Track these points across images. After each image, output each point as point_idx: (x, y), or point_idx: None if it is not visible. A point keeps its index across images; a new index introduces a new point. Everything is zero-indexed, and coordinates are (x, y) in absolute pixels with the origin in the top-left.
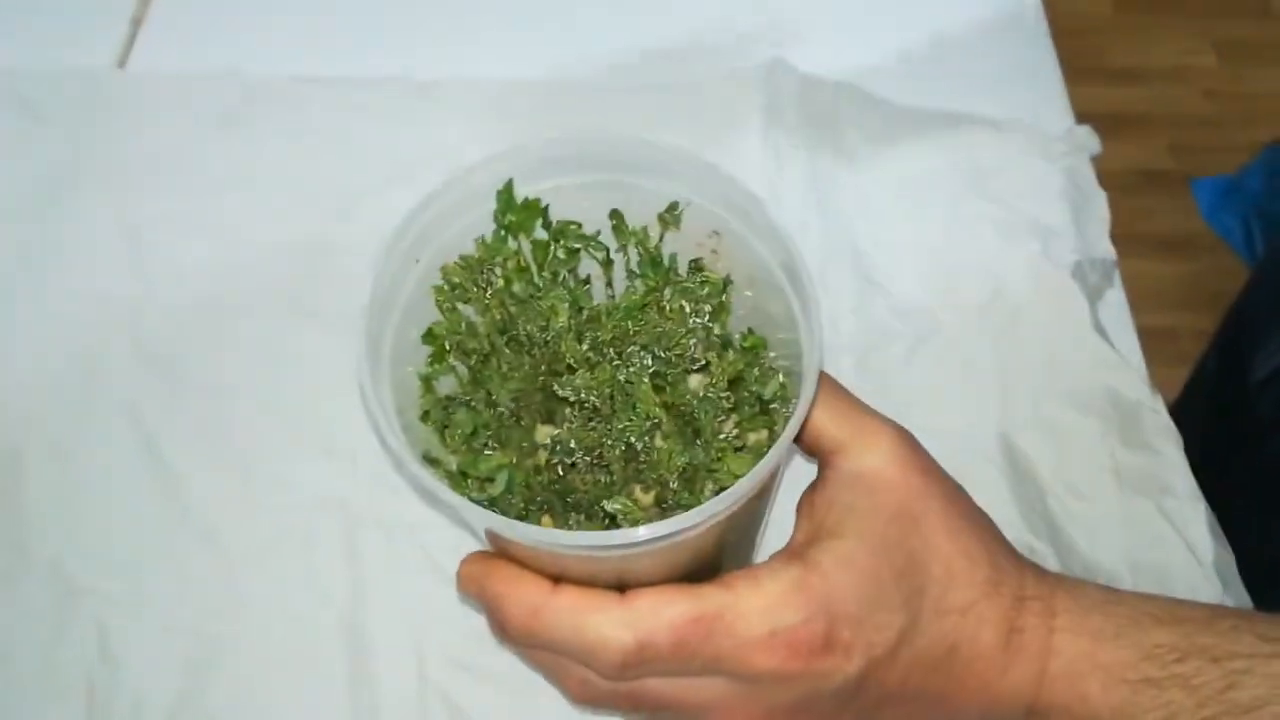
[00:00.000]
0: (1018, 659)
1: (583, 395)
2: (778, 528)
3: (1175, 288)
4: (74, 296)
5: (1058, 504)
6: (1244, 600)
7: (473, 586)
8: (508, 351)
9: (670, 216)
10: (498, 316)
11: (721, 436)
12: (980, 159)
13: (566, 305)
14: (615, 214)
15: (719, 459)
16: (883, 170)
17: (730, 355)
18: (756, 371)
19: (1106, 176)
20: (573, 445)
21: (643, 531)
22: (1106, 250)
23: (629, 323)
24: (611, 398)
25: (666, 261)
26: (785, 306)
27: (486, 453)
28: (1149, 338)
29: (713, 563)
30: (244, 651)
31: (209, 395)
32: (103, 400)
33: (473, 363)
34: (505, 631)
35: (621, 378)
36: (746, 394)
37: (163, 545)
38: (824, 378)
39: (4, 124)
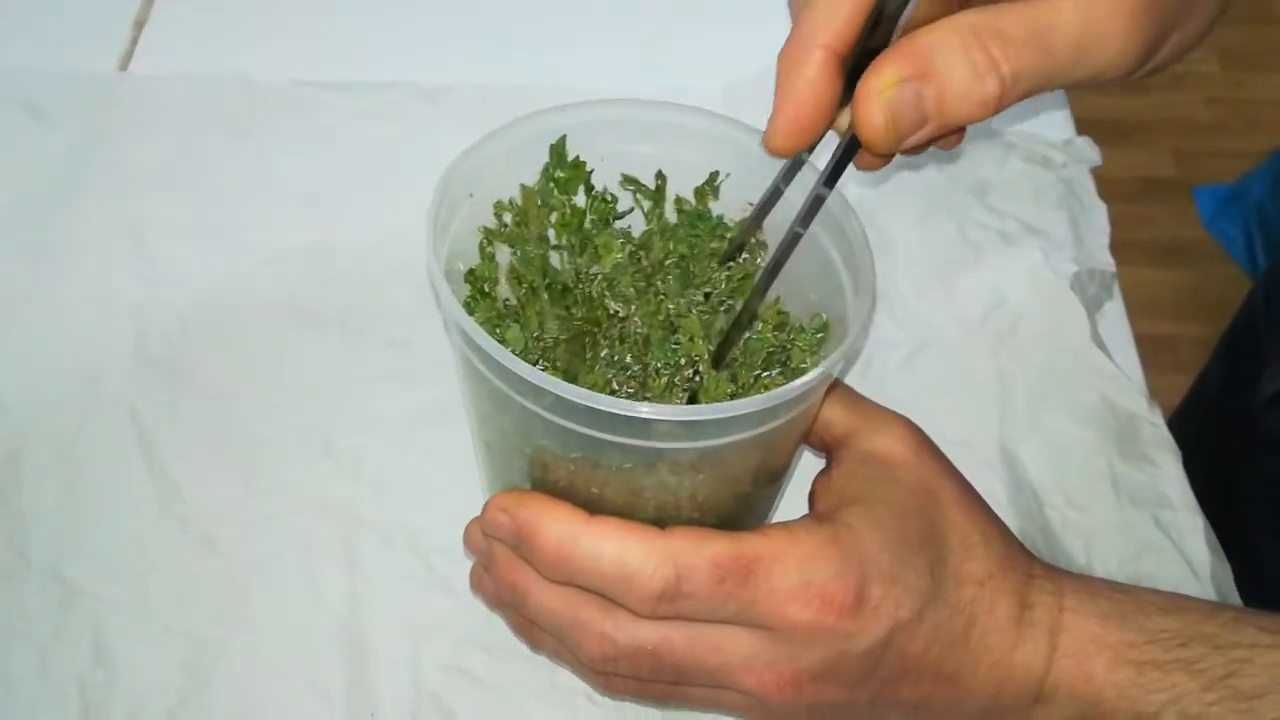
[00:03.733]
0: (1030, 633)
1: (629, 317)
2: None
3: (1175, 296)
4: (77, 299)
5: (1055, 514)
6: None
7: (503, 518)
8: (546, 296)
9: (710, 188)
10: (544, 257)
11: (765, 375)
12: (981, 170)
13: (618, 242)
14: (659, 175)
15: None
16: (883, 179)
17: (771, 305)
18: (788, 331)
19: (1107, 184)
20: (627, 360)
21: (717, 409)
22: (1106, 262)
23: (674, 244)
24: (658, 325)
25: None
26: (828, 269)
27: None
28: (1149, 346)
29: (735, 515)
30: (242, 656)
31: (210, 399)
32: (104, 403)
33: (520, 296)
34: (537, 562)
35: (671, 307)
36: (777, 348)
37: (162, 549)
38: (834, 380)
39: (9, 126)
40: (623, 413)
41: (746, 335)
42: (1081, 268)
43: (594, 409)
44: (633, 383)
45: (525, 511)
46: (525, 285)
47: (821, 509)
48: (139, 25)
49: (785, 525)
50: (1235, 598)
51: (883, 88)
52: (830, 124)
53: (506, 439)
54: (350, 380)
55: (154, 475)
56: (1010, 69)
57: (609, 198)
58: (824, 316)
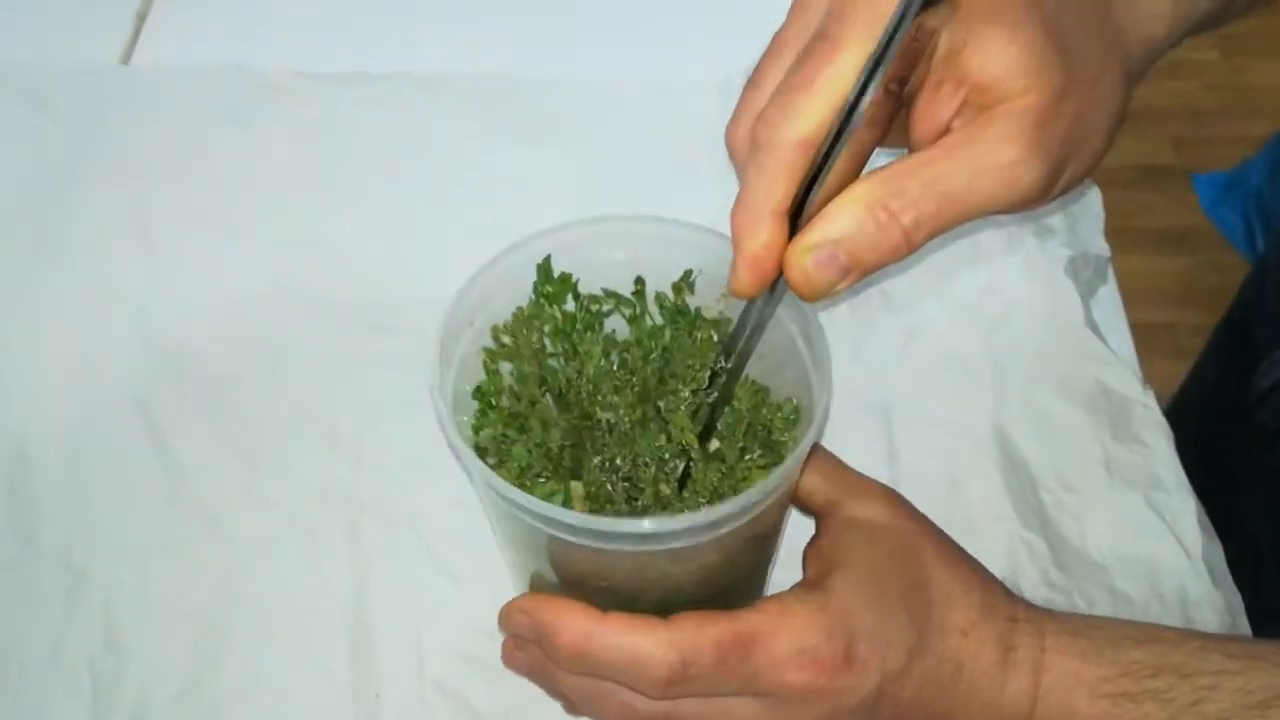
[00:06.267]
0: (1014, 674)
1: (618, 419)
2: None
3: (1175, 283)
4: (81, 288)
5: (1049, 496)
6: (1232, 590)
7: (524, 619)
8: (547, 400)
9: (685, 284)
10: (538, 371)
11: (747, 457)
12: None
13: (599, 348)
14: (639, 280)
15: (744, 479)
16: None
17: (748, 387)
18: (764, 410)
19: (1107, 171)
20: (617, 462)
21: (712, 512)
22: (1100, 246)
23: (654, 343)
24: (644, 422)
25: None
26: (790, 347)
27: (540, 480)
28: (1147, 333)
29: (735, 584)
30: (249, 639)
31: (214, 386)
32: (110, 391)
33: (520, 410)
34: (557, 658)
35: (661, 404)
36: (758, 427)
37: (169, 534)
38: (820, 449)
39: (14, 118)
40: (626, 530)
41: (727, 410)
42: (1076, 252)
43: (597, 530)
44: (624, 481)
45: (543, 614)
46: (525, 399)
47: (811, 575)
48: (141, 18)
49: (779, 598)
50: (1226, 576)
51: (802, 254)
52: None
53: (523, 545)
54: (352, 366)
55: (160, 461)
56: (911, 219)
57: (594, 307)
58: (794, 401)
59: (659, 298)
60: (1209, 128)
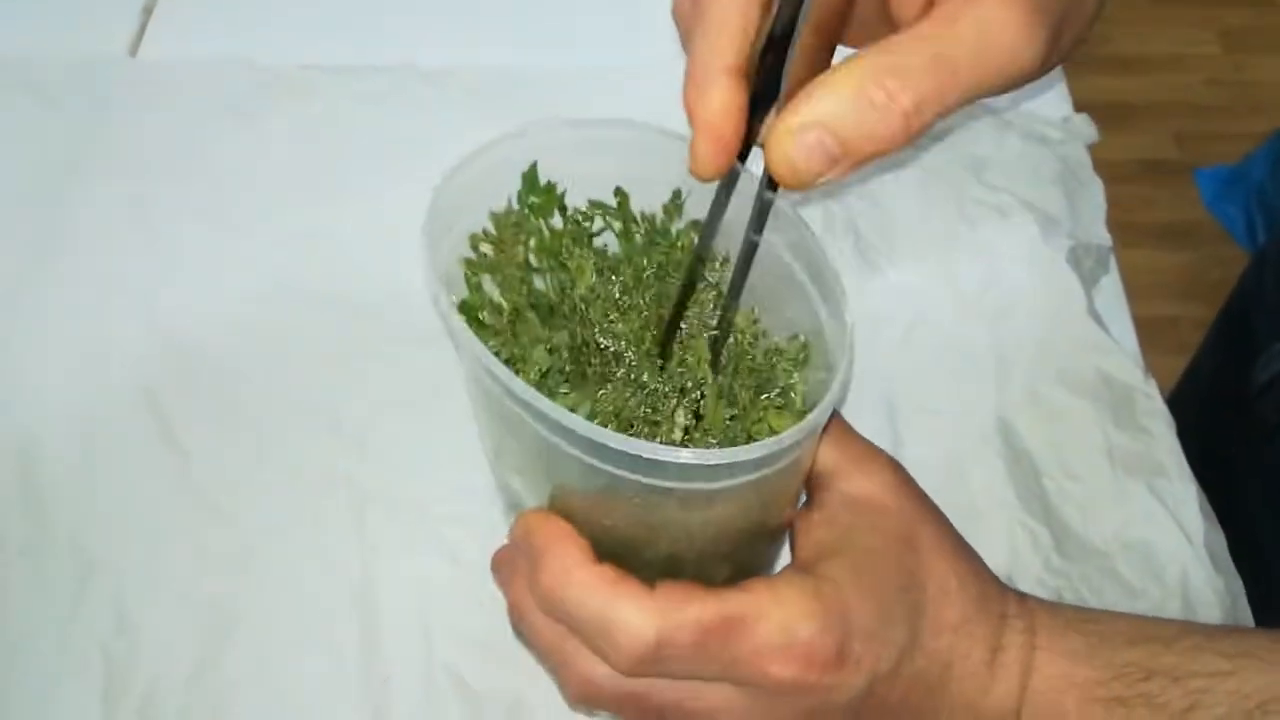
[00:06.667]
0: (1001, 675)
1: (622, 346)
2: None
3: (1177, 278)
4: (88, 281)
5: (1052, 484)
6: (1233, 576)
7: (520, 533)
8: (532, 318)
9: (674, 206)
10: (523, 283)
11: (764, 397)
12: (978, 147)
13: (591, 263)
14: (619, 192)
15: (760, 418)
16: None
17: (747, 314)
18: (768, 350)
19: (1108, 166)
20: (644, 379)
21: (760, 447)
22: (1102, 236)
23: (646, 261)
24: (650, 352)
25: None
26: (792, 283)
27: (561, 391)
28: (1150, 327)
29: (740, 552)
30: (258, 624)
31: (220, 377)
32: (117, 381)
33: (505, 327)
34: (537, 586)
35: (683, 326)
36: (764, 368)
37: (178, 521)
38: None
39: (19, 110)
40: (663, 458)
41: (732, 349)
42: (1078, 242)
43: (621, 450)
44: (642, 410)
45: (539, 537)
46: (509, 310)
47: (803, 558)
48: (148, 11)
49: (769, 580)
50: (1228, 563)
51: (785, 136)
52: (749, 138)
53: (526, 468)
54: (355, 358)
55: (168, 450)
56: (911, 99)
57: (582, 219)
58: (801, 338)
59: (644, 219)
60: (1211, 123)
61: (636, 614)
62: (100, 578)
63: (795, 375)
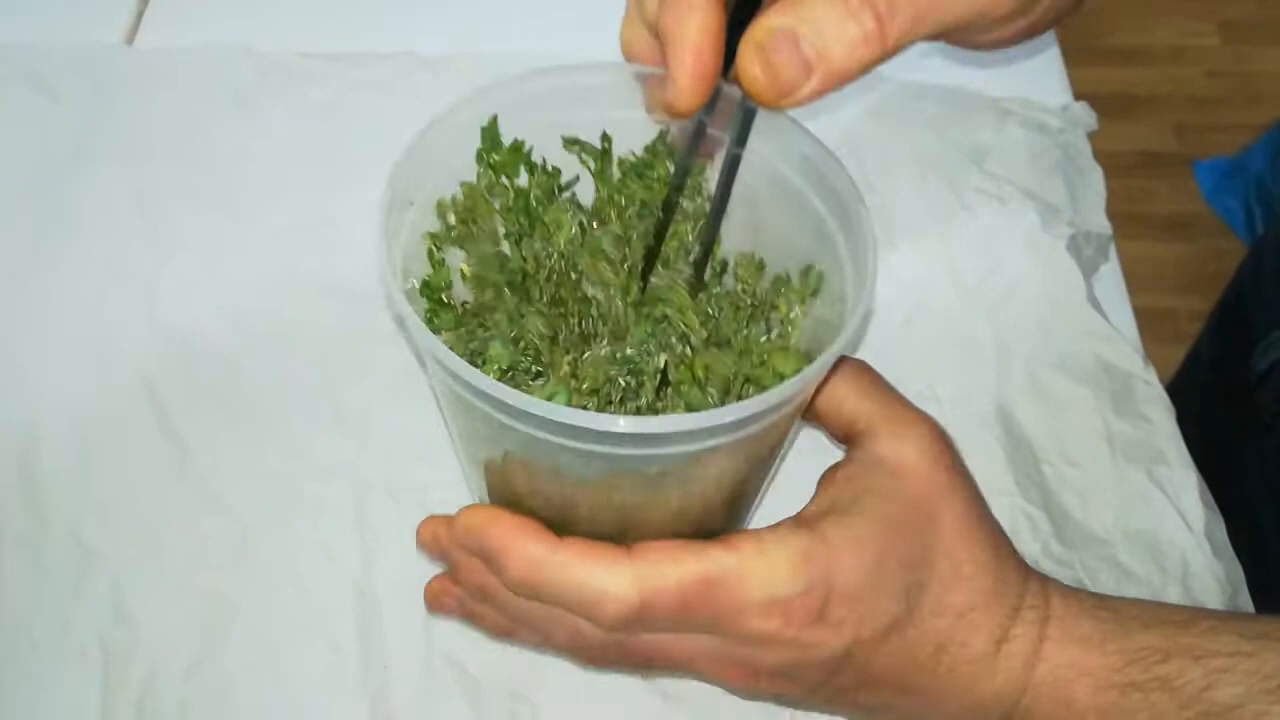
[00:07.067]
0: (1004, 665)
1: (609, 298)
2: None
3: (1175, 269)
4: (88, 270)
5: (1052, 471)
6: (1233, 563)
7: (471, 538)
8: (508, 291)
9: (661, 145)
10: (496, 263)
11: (763, 339)
12: (978, 135)
13: (568, 215)
14: (605, 138)
15: (761, 362)
16: (882, 145)
17: (752, 258)
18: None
19: (1108, 158)
20: (627, 352)
21: (723, 414)
22: (1102, 225)
23: (625, 198)
24: (637, 303)
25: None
26: (801, 211)
27: (533, 383)
28: (1148, 319)
29: (718, 510)
30: (258, 614)
31: (221, 365)
32: (117, 370)
33: (481, 304)
34: (505, 580)
35: (659, 281)
36: (761, 305)
37: (177, 510)
38: (860, 363)
39: (18, 101)
40: (637, 430)
41: (725, 293)
42: (1078, 230)
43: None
44: (622, 379)
45: (494, 537)
46: (489, 288)
47: (811, 510)
48: (143, 0)
49: (757, 536)
50: (1228, 550)
51: (761, 36)
52: (725, 67)
53: (487, 443)
54: (356, 346)
55: (168, 438)
56: (890, 11)
57: (552, 170)
58: (817, 267)
59: (623, 162)
60: (1210, 115)
61: (616, 580)
62: (98, 567)
63: (797, 309)
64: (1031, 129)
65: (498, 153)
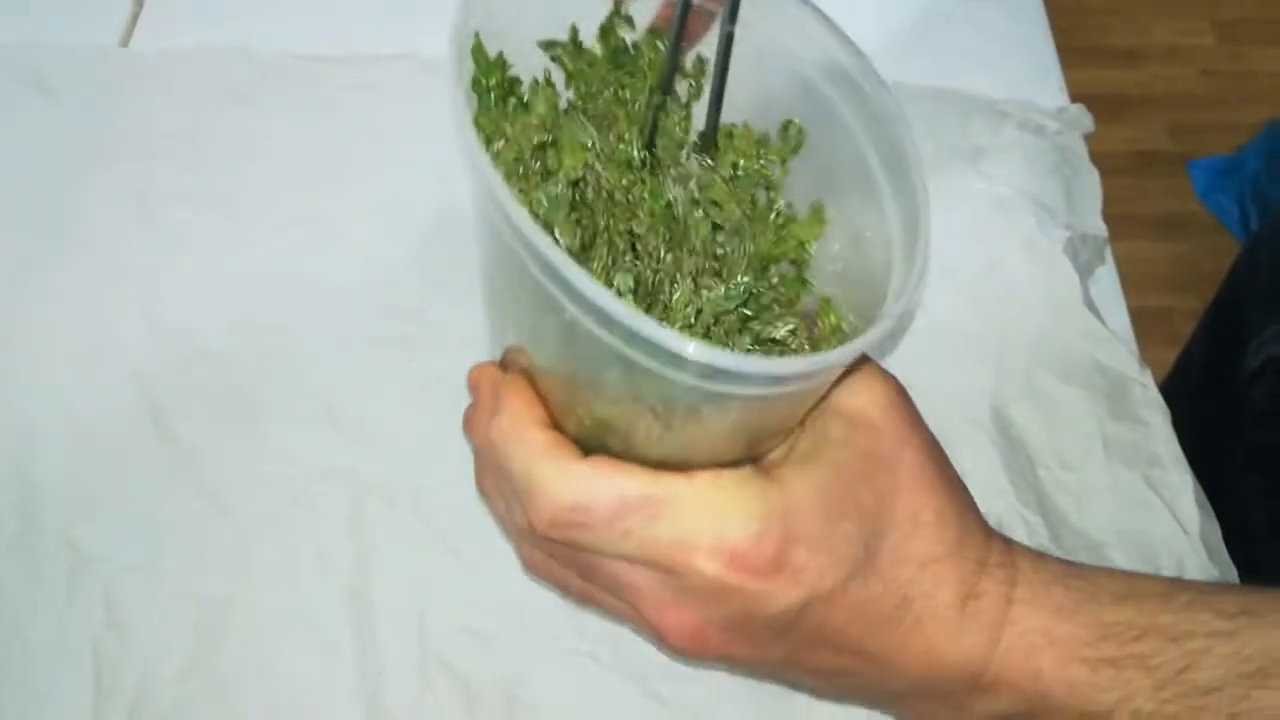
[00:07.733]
0: (971, 624)
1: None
2: None
3: (1170, 269)
4: (85, 271)
5: (1047, 474)
6: (1229, 567)
7: (478, 374)
8: (568, 123)
9: (618, 15)
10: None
11: (772, 216)
12: (975, 137)
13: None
14: (573, 30)
15: (782, 233)
16: None
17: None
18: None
19: (1103, 157)
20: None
21: (796, 363)
22: (1098, 227)
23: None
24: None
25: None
26: (857, 160)
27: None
28: (1143, 318)
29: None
30: (252, 618)
31: (217, 366)
32: (114, 371)
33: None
34: (490, 432)
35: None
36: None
37: (172, 514)
38: None
39: (16, 101)
40: (729, 366)
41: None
42: (1074, 233)
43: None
44: (660, 275)
45: (504, 390)
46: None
47: (769, 460)
48: (139, 1)
49: (715, 471)
50: (1223, 553)
51: None
52: None
53: (521, 326)
54: (354, 346)
55: (163, 441)
56: None
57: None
58: (822, 204)
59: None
60: (1205, 114)
61: (557, 476)
62: (92, 571)
63: (778, 170)
64: (1028, 131)
65: (489, 75)
